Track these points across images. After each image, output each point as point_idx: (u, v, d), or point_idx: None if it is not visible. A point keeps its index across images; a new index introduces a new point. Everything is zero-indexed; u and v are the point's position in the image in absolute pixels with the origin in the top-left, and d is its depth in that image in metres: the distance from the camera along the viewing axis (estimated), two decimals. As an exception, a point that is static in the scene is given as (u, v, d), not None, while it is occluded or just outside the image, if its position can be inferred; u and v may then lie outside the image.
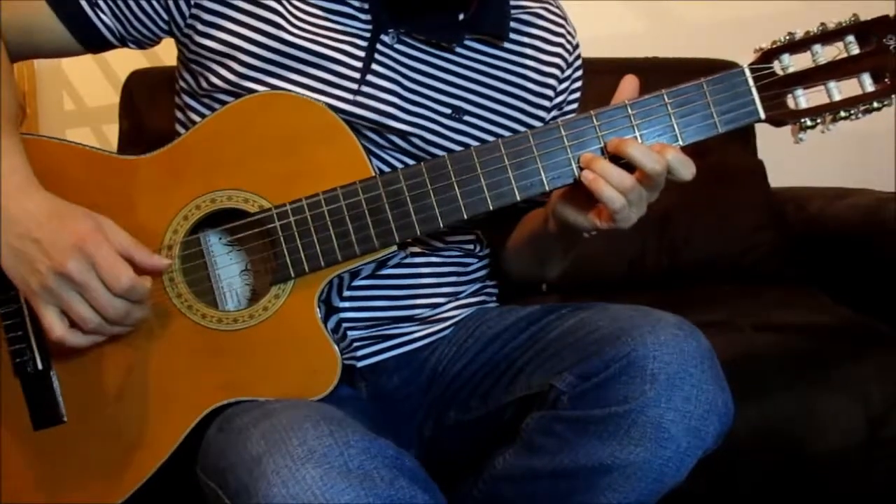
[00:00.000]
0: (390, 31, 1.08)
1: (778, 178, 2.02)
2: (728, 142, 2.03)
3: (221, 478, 0.87)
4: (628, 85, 0.99)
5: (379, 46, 1.08)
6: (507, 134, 1.13)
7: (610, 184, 0.94)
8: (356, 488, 0.78)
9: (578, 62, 1.23)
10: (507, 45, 1.15)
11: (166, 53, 1.30)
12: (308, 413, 0.87)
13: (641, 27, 2.39)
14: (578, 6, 1.38)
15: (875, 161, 2.25)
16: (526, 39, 1.17)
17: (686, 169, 0.95)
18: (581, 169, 0.96)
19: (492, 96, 1.14)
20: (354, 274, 1.03)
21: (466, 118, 1.12)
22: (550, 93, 1.18)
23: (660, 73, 1.99)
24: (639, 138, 0.96)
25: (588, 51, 1.27)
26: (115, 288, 0.90)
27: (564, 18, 1.22)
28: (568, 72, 1.21)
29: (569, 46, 1.21)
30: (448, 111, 1.11)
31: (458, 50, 1.12)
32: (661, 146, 0.95)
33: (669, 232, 1.93)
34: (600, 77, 1.43)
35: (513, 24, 1.16)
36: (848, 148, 2.25)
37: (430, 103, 1.10)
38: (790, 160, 1.94)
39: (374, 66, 1.07)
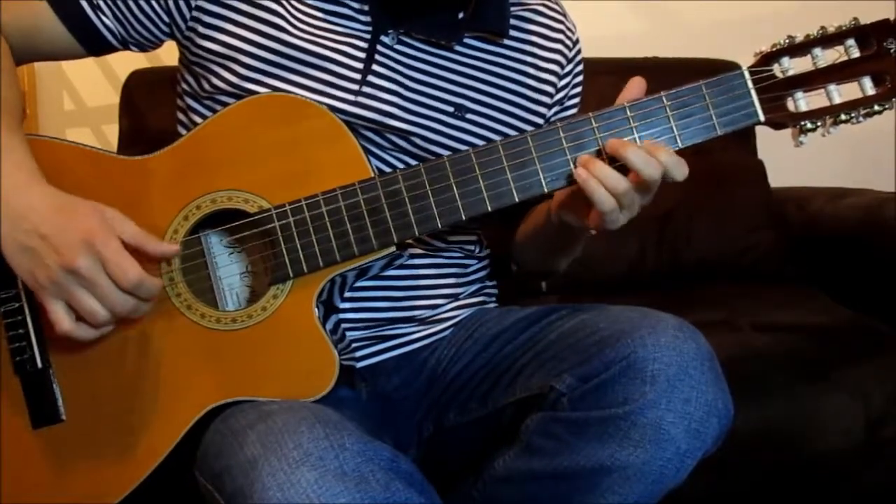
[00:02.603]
0: (390, 31, 1.08)
1: (778, 178, 2.02)
2: (728, 142, 2.02)
3: (218, 479, 0.88)
4: (635, 87, 0.99)
5: (379, 47, 1.08)
6: (508, 131, 1.13)
7: (603, 185, 0.94)
8: (351, 491, 0.78)
9: (579, 57, 1.22)
10: (507, 41, 1.15)
11: (167, 54, 1.30)
12: (304, 415, 0.87)
13: (641, 27, 2.39)
14: (578, 6, 1.38)
15: (875, 161, 2.25)
16: (526, 36, 1.17)
17: (679, 170, 0.94)
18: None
19: (493, 93, 1.13)
20: (362, 273, 1.03)
21: (469, 116, 1.12)
22: (551, 89, 1.18)
23: (660, 73, 1.99)
24: (637, 140, 0.96)
25: (588, 51, 1.27)
26: (122, 283, 0.90)
27: (564, 15, 1.22)
28: (568, 67, 1.20)
29: (568, 42, 1.20)
30: (450, 109, 1.11)
31: (459, 48, 1.12)
32: (654, 147, 0.94)
33: (669, 232, 1.93)
34: (600, 77, 1.43)
35: (512, 21, 1.16)
36: (848, 148, 2.25)
37: (431, 102, 1.10)
38: (790, 160, 1.94)
39: (375, 67, 1.07)
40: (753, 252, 1.93)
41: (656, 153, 0.93)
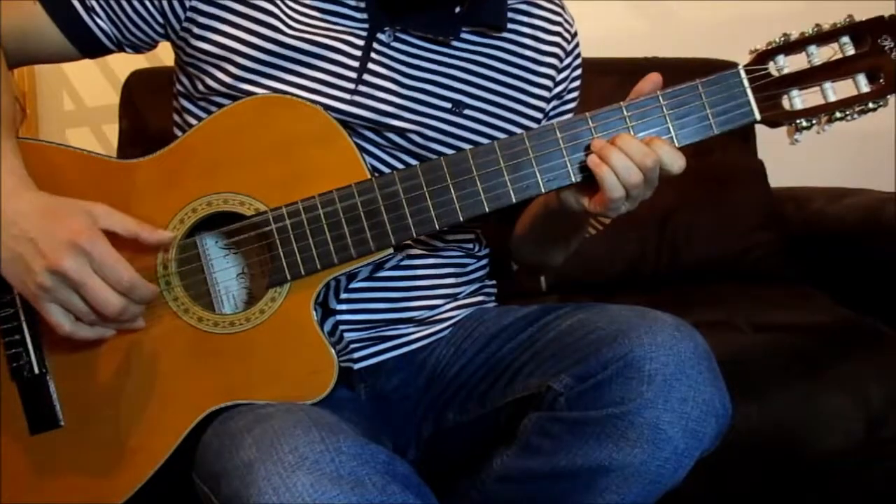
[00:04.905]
0: (386, 28, 1.08)
1: (778, 178, 2.02)
2: (728, 141, 2.03)
3: (215, 483, 0.87)
4: (650, 82, 0.99)
5: (375, 45, 1.07)
6: (507, 126, 1.13)
7: (616, 175, 0.94)
8: (348, 494, 0.78)
9: (577, 50, 1.21)
10: (505, 34, 1.14)
11: (166, 54, 1.29)
12: (300, 418, 0.87)
13: (641, 27, 2.38)
14: (578, 6, 1.38)
15: (875, 161, 2.25)
16: (524, 29, 1.16)
17: (676, 163, 0.95)
18: (582, 166, 0.96)
19: (492, 88, 1.13)
20: (351, 276, 1.03)
21: (467, 112, 1.11)
22: (549, 82, 1.17)
23: (660, 73, 1.99)
24: None
25: (588, 51, 1.27)
26: (117, 286, 0.91)
27: (562, 7, 1.21)
28: (567, 60, 1.20)
29: (567, 35, 1.19)
30: (448, 106, 1.10)
31: (456, 43, 1.11)
32: (651, 139, 0.95)
33: (669, 232, 1.93)
34: (600, 77, 1.43)
35: (510, 15, 1.15)
36: (848, 148, 2.25)
37: (429, 99, 1.09)
38: (790, 160, 1.94)
39: (371, 66, 1.07)
40: (753, 252, 1.93)
41: (652, 144, 0.94)
